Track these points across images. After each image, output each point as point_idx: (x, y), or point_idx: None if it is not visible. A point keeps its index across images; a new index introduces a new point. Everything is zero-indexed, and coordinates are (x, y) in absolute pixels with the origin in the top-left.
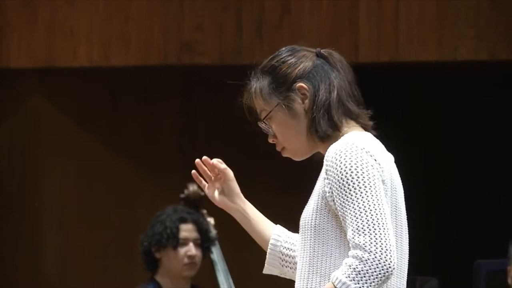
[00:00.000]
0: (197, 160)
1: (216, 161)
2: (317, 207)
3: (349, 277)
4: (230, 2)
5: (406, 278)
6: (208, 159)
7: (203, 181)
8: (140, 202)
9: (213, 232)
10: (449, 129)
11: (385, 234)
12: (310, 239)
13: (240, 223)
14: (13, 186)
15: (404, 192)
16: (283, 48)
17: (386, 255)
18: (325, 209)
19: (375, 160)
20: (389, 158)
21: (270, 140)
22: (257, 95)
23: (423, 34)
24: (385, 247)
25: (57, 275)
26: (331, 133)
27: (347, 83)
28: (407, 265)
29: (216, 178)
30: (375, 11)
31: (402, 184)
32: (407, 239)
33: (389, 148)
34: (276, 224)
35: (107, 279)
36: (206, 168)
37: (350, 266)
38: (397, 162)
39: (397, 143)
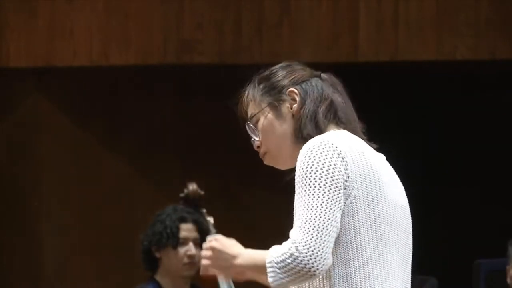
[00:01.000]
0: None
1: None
2: None
3: (277, 264)
4: (230, 1)
5: (402, 275)
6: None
7: None
8: (140, 202)
9: (213, 231)
10: (449, 129)
11: (321, 240)
12: None
13: None
14: (13, 186)
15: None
16: (281, 63)
17: (313, 260)
18: None
19: (338, 154)
20: (366, 151)
21: (255, 147)
22: (249, 100)
23: (423, 34)
24: (315, 252)
25: (56, 275)
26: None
27: (342, 103)
28: (408, 261)
29: None
30: (375, 11)
31: (402, 184)
32: (400, 229)
33: (389, 148)
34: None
35: (107, 278)
36: None
37: (283, 254)
38: (397, 162)
39: (397, 142)
